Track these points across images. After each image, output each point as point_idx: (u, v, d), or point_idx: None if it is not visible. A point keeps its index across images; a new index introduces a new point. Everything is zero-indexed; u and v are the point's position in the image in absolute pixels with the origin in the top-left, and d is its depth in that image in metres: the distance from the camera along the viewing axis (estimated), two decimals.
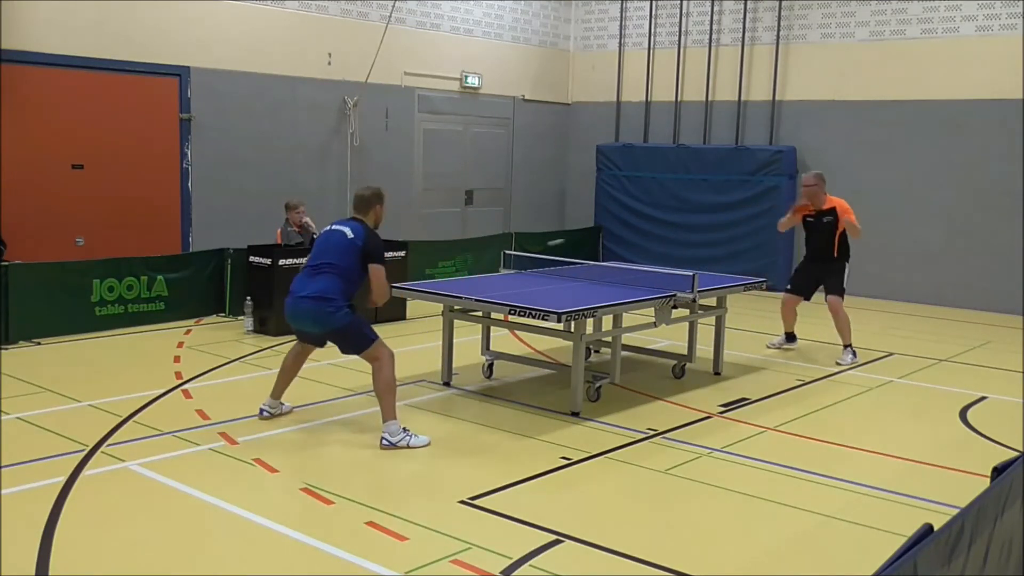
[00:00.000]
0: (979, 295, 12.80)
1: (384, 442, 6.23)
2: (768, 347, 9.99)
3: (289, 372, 6.84)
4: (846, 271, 9.55)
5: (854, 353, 9.39)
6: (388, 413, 6.30)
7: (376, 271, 6.42)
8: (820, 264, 9.60)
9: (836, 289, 9.47)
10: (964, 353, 10.03)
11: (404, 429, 6.30)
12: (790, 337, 10.04)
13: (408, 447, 6.23)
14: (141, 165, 11.30)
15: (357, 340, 6.42)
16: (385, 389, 6.33)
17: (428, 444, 6.30)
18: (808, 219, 9.59)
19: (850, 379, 8.70)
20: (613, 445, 6.45)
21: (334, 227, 6.60)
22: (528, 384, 8.14)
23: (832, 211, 9.38)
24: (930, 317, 12.30)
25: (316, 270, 6.41)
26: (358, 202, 6.72)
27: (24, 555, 4.45)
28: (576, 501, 5.54)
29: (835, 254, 9.51)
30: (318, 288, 6.32)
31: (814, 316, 11.48)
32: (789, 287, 9.88)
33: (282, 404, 6.89)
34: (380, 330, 10.25)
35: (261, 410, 6.80)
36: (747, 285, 8.97)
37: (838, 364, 9.21)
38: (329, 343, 6.70)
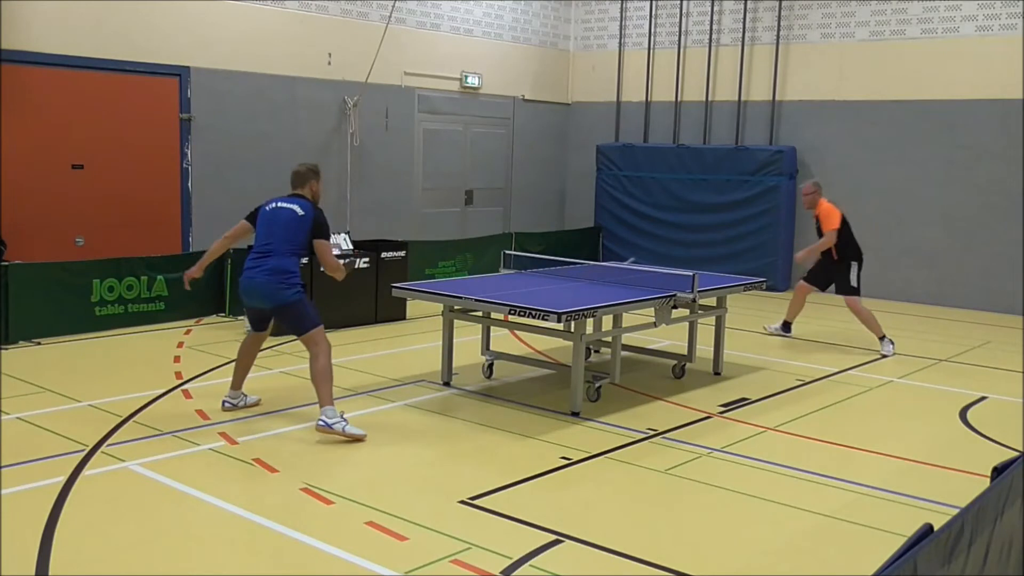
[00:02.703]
0: (979, 295, 12.80)
1: (320, 422, 6.33)
2: (764, 328, 10.50)
3: (244, 362, 7.02)
4: (852, 270, 9.83)
5: (891, 342, 9.77)
6: (325, 400, 6.41)
7: (321, 245, 6.62)
8: (827, 263, 10.00)
9: (845, 289, 9.86)
10: (964, 353, 10.02)
11: (342, 415, 6.39)
12: (787, 326, 10.44)
13: (343, 432, 6.28)
14: (141, 165, 11.30)
15: (300, 320, 6.56)
16: (321, 377, 6.44)
17: (364, 437, 6.35)
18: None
19: (850, 379, 8.70)
20: (613, 445, 6.45)
21: (280, 205, 6.71)
22: (528, 384, 8.14)
23: (818, 216, 9.93)
24: (930, 317, 12.30)
25: (267, 252, 6.57)
26: (295, 178, 6.87)
27: (24, 555, 4.45)
28: (576, 501, 5.54)
29: (834, 255, 9.88)
30: (272, 265, 6.51)
31: (820, 315, 11.50)
32: (805, 275, 10.34)
33: (245, 395, 7.05)
34: (380, 330, 10.41)
35: (224, 402, 6.97)
36: (747, 285, 8.98)
37: (883, 355, 9.61)
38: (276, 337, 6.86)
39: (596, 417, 7.09)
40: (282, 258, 6.52)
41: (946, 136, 13.03)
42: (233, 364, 7.10)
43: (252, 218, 6.85)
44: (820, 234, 9.91)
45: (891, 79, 13.43)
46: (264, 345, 9.18)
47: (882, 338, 9.76)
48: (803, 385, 8.42)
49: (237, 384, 7.03)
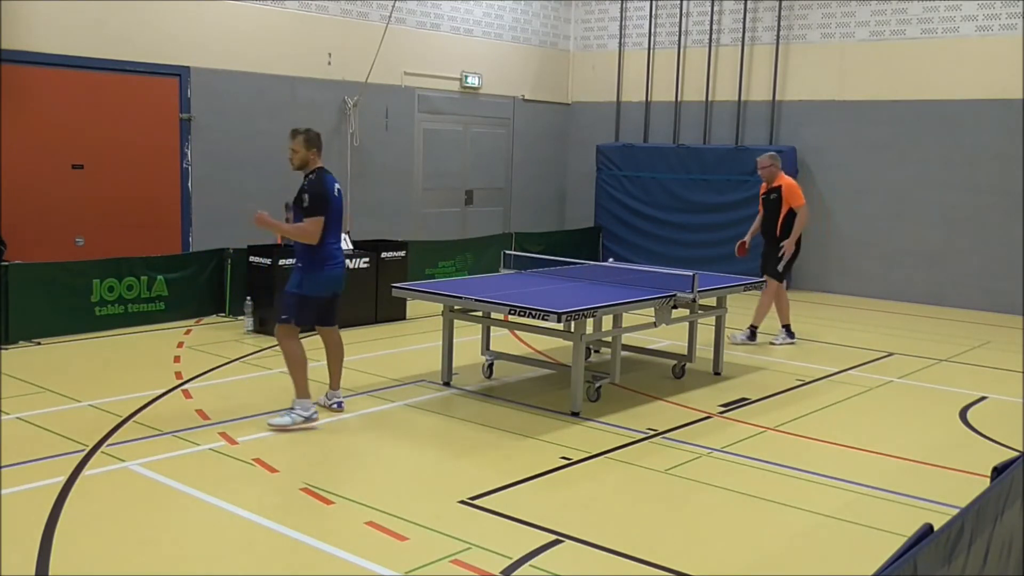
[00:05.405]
0: (979, 295, 12.80)
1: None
2: (772, 344, 10.13)
3: (333, 359, 7.17)
4: (781, 252, 9.84)
5: (752, 336, 9.96)
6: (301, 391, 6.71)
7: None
8: (768, 244, 9.98)
9: (771, 271, 9.87)
10: (964, 353, 10.02)
11: (290, 410, 6.64)
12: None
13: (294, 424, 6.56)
14: (141, 165, 11.29)
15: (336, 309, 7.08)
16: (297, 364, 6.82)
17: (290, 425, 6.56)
18: (762, 196, 10.08)
19: (850, 379, 8.70)
20: (613, 445, 6.45)
21: (338, 186, 7.10)
22: (528, 384, 8.14)
23: (778, 188, 9.84)
24: (930, 317, 12.30)
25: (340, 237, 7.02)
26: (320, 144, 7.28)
27: (24, 555, 4.45)
28: (576, 501, 5.53)
29: (777, 233, 9.88)
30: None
31: (817, 316, 11.51)
32: (761, 271, 10.17)
33: (336, 392, 7.21)
34: (381, 330, 10.42)
35: (331, 404, 7.08)
36: (747, 285, 8.98)
37: (772, 344, 9.85)
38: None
39: (596, 417, 7.09)
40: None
41: (946, 136, 13.03)
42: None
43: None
44: (768, 209, 9.89)
45: (891, 79, 13.43)
46: (263, 345, 9.25)
47: (750, 327, 9.97)
48: (803, 385, 8.42)
49: (334, 384, 7.14)
